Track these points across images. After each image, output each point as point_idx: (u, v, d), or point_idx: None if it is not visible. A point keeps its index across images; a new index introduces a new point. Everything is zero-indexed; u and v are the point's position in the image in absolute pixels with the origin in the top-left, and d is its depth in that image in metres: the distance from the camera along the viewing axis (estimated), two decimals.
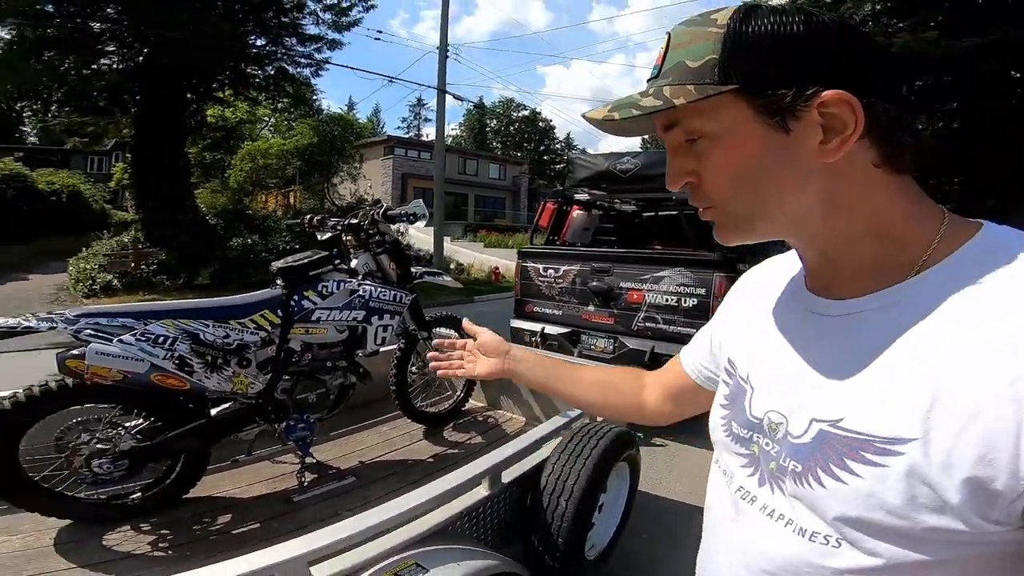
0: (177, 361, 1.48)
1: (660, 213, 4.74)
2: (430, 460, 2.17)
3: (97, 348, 1.38)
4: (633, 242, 4.48)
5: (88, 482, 1.50)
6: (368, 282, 1.99)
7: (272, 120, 18.19)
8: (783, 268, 0.61)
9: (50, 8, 9.91)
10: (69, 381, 1.44)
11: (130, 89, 11.57)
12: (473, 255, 16.36)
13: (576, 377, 0.87)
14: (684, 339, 3.23)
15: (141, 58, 11.10)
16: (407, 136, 38.41)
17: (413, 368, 2.47)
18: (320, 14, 12.58)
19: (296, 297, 1.78)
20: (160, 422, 1.59)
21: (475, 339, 0.93)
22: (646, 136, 0.90)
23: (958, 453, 0.38)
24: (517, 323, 4.16)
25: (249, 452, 1.87)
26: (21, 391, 1.45)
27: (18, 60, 10.03)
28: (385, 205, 2.12)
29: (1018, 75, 7.98)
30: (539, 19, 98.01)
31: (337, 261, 1.95)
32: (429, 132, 52.33)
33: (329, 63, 13.13)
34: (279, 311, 1.74)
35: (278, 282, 1.83)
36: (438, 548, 1.14)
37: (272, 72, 13.07)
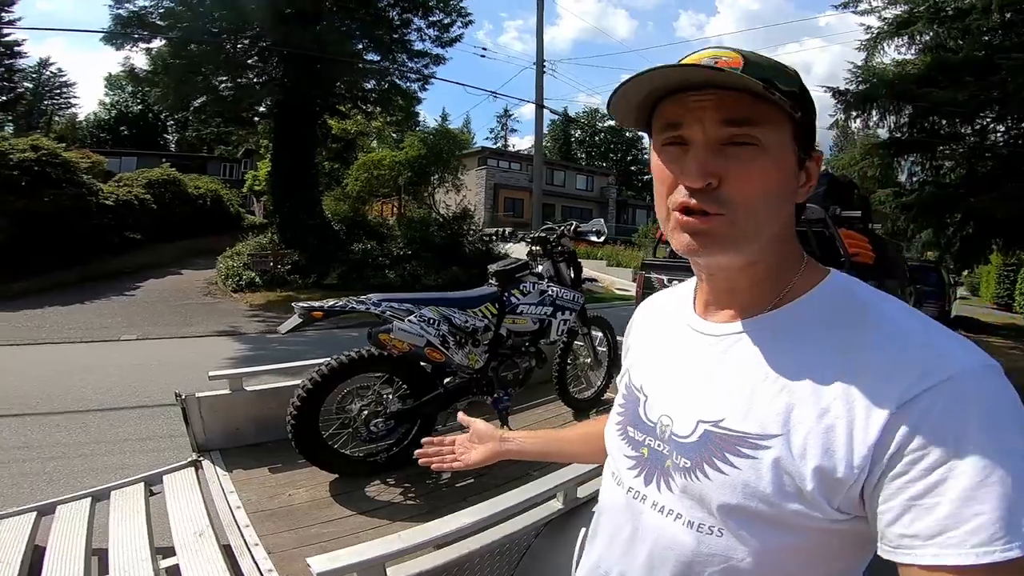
0: (441, 339, 2.02)
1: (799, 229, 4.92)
2: None
3: (399, 326, 1.93)
4: None
5: (363, 439, 1.94)
6: (553, 284, 2.50)
7: (379, 133, 19.76)
8: (673, 296, 0.71)
9: (214, 28, 11.63)
10: (373, 351, 1.96)
11: (271, 102, 13.13)
12: None
13: (564, 438, 0.98)
14: None
15: (279, 74, 12.58)
16: (495, 147, 39.74)
17: (568, 359, 2.94)
18: (425, 30, 13.70)
19: (507, 294, 2.32)
20: (410, 390, 2.06)
21: (468, 429, 1.00)
22: None
23: (809, 446, 0.47)
24: None
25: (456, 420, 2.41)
26: (333, 359, 1.89)
27: (183, 74, 11.74)
28: (575, 223, 2.63)
29: None
30: (623, 27, 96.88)
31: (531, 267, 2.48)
32: (515, 143, 53.60)
33: (434, 78, 14.27)
34: (496, 304, 2.28)
35: (492, 281, 2.38)
36: None
37: (386, 86, 14.35)
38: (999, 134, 9.98)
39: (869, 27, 10.90)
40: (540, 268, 2.57)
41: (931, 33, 9.80)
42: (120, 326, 7.94)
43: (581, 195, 31.13)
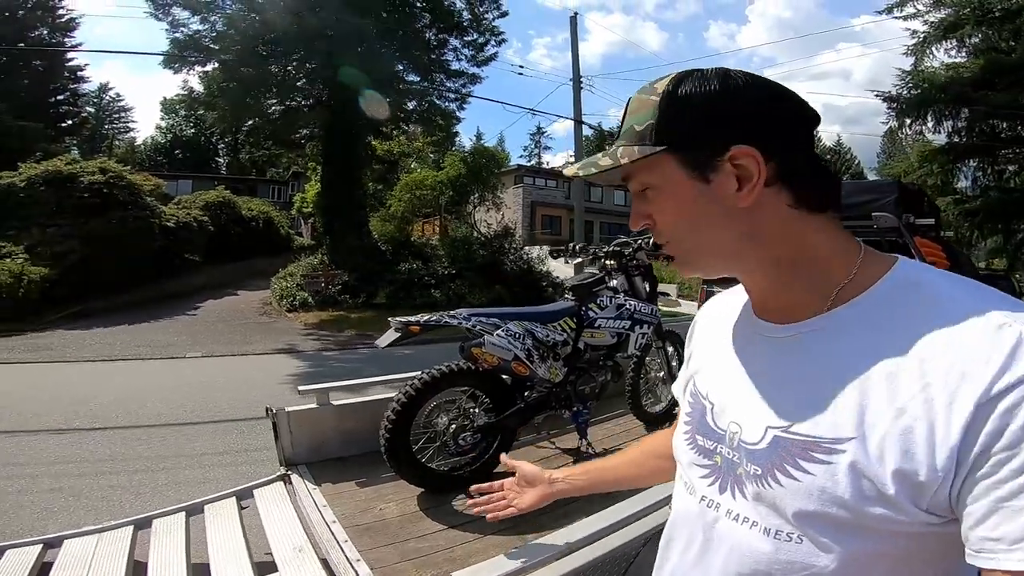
0: (526, 352, 2.02)
1: None
2: None
3: (490, 340, 1.95)
4: None
5: (451, 452, 1.95)
6: (630, 298, 2.45)
7: (419, 154, 20.27)
8: (734, 298, 0.68)
9: (263, 52, 12.13)
10: (462, 364, 1.97)
11: (318, 124, 13.54)
12: None
13: (611, 467, 0.94)
14: None
15: (326, 97, 13.04)
16: (529, 164, 40.11)
17: (641, 373, 2.87)
18: (460, 49, 14.02)
19: (584, 308, 2.29)
20: (493, 404, 2.07)
21: (514, 473, 0.97)
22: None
23: (887, 448, 0.44)
24: None
25: (539, 432, 2.39)
26: (424, 373, 1.91)
27: (237, 97, 12.27)
28: (652, 237, 2.59)
29: None
30: (653, 39, 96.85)
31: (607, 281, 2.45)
32: (549, 160, 53.93)
33: (472, 96, 14.56)
34: (574, 318, 2.25)
35: (568, 295, 2.36)
36: None
37: (426, 106, 14.67)
38: None
39: (915, 31, 10.68)
40: (615, 282, 2.53)
41: (980, 35, 9.58)
42: (185, 344, 8.31)
43: (619, 210, 30.89)
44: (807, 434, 0.49)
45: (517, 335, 2.02)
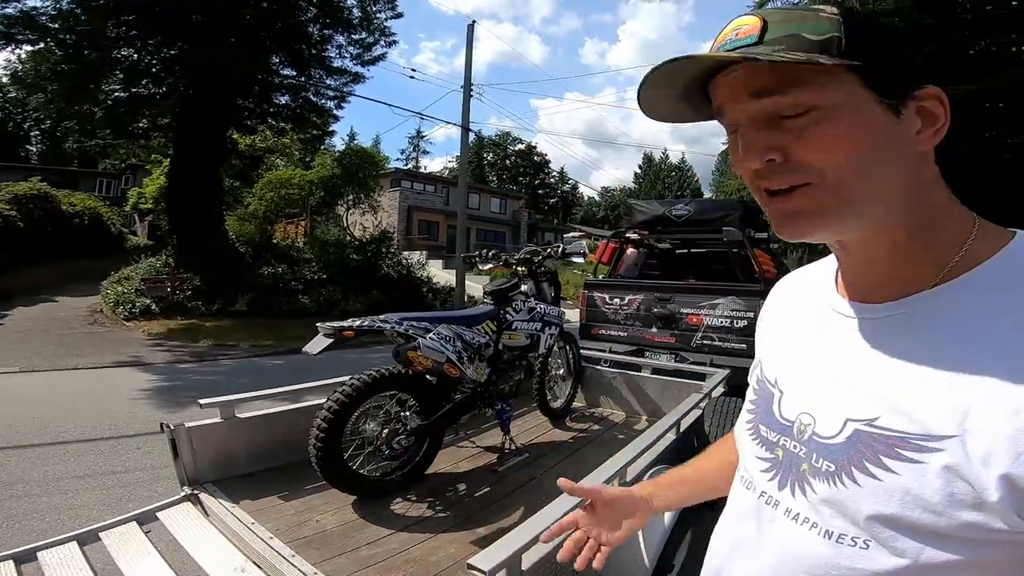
0: (457, 354, 2.10)
1: (692, 251, 5.54)
2: (570, 441, 2.80)
3: (425, 343, 1.97)
4: (670, 275, 5.24)
5: (386, 457, 1.94)
6: (540, 302, 2.67)
7: (285, 151, 18.89)
8: (811, 277, 0.62)
9: (112, 34, 10.54)
10: (392, 369, 1.98)
11: (173, 114, 12.08)
12: (480, 287, 17.02)
13: (705, 472, 0.83)
14: (736, 353, 3.94)
15: (185, 85, 11.69)
16: (407, 168, 39.46)
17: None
18: (346, 47, 13.47)
19: (502, 312, 2.45)
20: (421, 406, 2.09)
21: (588, 502, 0.82)
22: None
23: (997, 449, 0.39)
24: (583, 343, 4.84)
25: (456, 432, 2.48)
26: (355, 379, 1.88)
27: (77, 81, 10.54)
28: (562, 246, 2.83)
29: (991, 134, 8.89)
30: (536, 52, 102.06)
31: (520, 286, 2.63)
32: (426, 164, 53.41)
33: (354, 95, 14.05)
34: (495, 321, 2.40)
35: (486, 300, 2.49)
36: None
37: (300, 102, 13.82)
38: None
39: None
40: (524, 287, 2.72)
41: None
42: None
43: (495, 218, 31.81)
44: (896, 429, 0.44)
45: (448, 338, 2.09)
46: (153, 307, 10.60)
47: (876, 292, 0.51)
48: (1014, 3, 8.39)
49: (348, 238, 15.05)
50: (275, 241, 14.92)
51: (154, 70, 11.55)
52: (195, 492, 1.85)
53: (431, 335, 2.03)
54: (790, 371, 0.58)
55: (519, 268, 2.77)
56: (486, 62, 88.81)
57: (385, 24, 13.56)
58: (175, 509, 1.79)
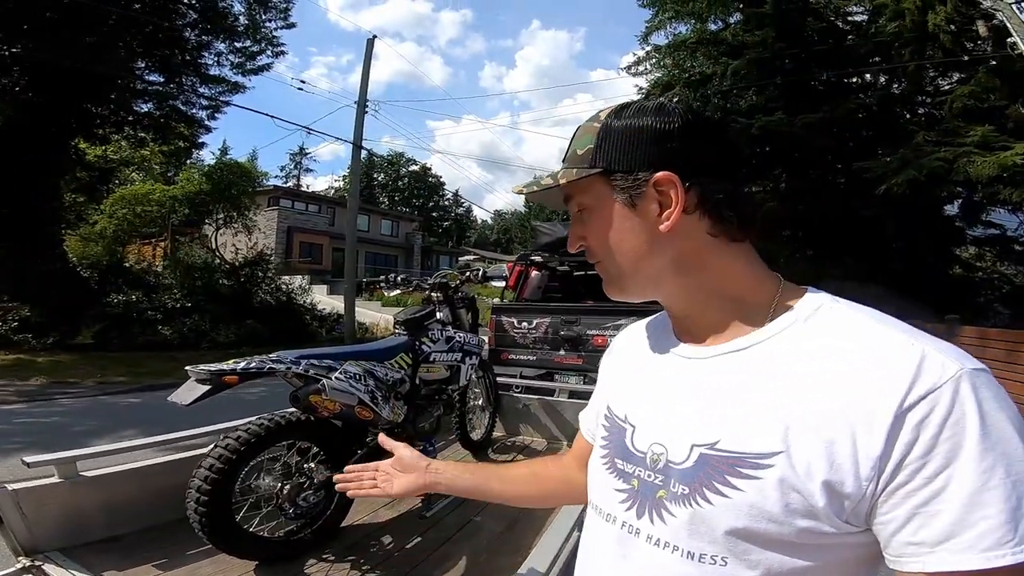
0: (370, 395, 1.83)
1: (589, 273, 5.71)
2: None
3: (331, 384, 1.69)
4: (571, 297, 5.33)
5: (291, 516, 1.66)
6: (458, 330, 2.47)
7: (147, 164, 16.62)
8: (650, 326, 0.71)
9: None
10: (296, 415, 1.69)
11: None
12: (371, 314, 16.25)
13: (507, 477, 0.89)
14: None
15: (20, 87, 9.97)
16: (287, 185, 36.85)
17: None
18: (226, 54, 12.40)
19: (418, 343, 2.21)
20: (327, 455, 1.80)
21: (392, 455, 0.91)
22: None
23: (814, 461, 0.46)
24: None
25: None
26: (250, 425, 1.58)
27: None
28: (482, 269, 2.65)
29: (831, 158, 10.50)
30: (437, 73, 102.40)
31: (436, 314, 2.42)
32: (310, 183, 50.50)
33: (231, 104, 12.91)
34: (410, 354, 2.16)
35: (398, 330, 2.24)
36: None
37: (166, 111, 12.36)
38: None
39: (640, 87, 12.98)
40: (440, 315, 2.52)
41: (679, 96, 11.24)
42: None
43: (386, 240, 30.74)
44: (734, 450, 0.50)
45: (357, 376, 1.82)
46: None
47: (705, 338, 0.59)
48: (849, 39, 10.10)
49: (218, 261, 13.46)
50: (127, 264, 12.88)
51: None
52: (36, 564, 1.43)
53: (336, 375, 1.75)
54: (639, 407, 0.63)
55: (433, 294, 2.57)
56: (384, 80, 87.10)
57: (274, 34, 12.65)
58: None
